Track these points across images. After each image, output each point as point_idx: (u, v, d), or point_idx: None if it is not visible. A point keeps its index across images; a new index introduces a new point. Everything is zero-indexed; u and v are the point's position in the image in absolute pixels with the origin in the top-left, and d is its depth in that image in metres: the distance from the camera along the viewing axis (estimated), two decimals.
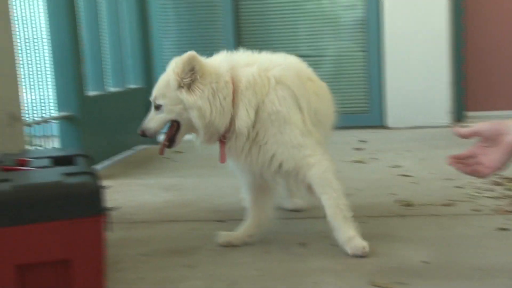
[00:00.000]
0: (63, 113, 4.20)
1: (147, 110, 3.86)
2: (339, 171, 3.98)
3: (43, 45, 4.14)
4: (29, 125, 3.73)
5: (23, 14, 3.81)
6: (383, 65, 6.16)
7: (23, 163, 2.45)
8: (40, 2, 4.06)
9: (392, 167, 4.20)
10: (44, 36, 4.14)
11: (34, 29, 3.98)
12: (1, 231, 1.99)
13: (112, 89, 5.00)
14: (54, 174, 2.18)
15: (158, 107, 2.55)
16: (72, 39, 4.13)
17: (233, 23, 6.42)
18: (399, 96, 6.10)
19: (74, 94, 4.19)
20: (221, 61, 2.55)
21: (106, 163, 4.73)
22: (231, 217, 3.14)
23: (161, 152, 2.61)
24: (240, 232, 2.75)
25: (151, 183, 4.02)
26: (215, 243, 2.70)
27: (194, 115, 2.45)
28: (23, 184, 2.08)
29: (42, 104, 4.13)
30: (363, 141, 5.37)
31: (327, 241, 2.62)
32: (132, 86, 5.40)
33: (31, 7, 3.95)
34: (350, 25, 6.38)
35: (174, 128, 2.55)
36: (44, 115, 4.11)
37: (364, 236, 2.49)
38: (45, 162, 2.48)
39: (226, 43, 6.34)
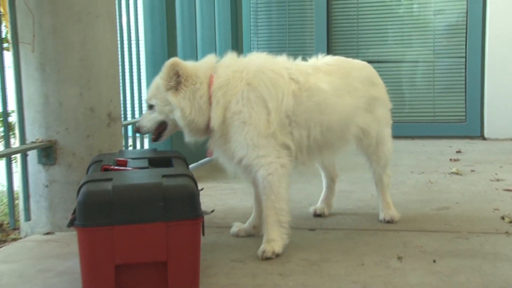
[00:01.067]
0: None
1: None
2: (435, 182, 3.89)
3: (138, 47, 4.27)
4: (124, 125, 3.85)
5: (124, 16, 3.94)
6: (483, 72, 5.94)
7: (122, 163, 2.52)
8: (140, 4, 4.19)
9: (493, 180, 4.04)
10: (141, 38, 4.27)
11: (131, 30, 4.11)
12: (102, 230, 2.06)
13: None
14: (154, 176, 2.23)
15: (151, 107, 2.80)
16: (167, 40, 4.23)
17: (325, 25, 6.39)
18: (499, 105, 5.87)
19: None
20: (202, 63, 2.81)
21: (193, 165, 4.81)
22: (322, 226, 3.11)
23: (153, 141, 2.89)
24: (247, 224, 3.01)
25: (238, 188, 4.04)
26: (307, 252, 2.68)
27: (177, 115, 2.71)
28: (124, 184, 2.14)
29: (135, 105, 4.26)
30: (459, 152, 5.20)
31: (426, 256, 2.54)
32: None
33: (130, 5, 4.08)
34: (447, 30, 6.21)
35: (162, 127, 2.82)
36: (136, 115, 4.23)
37: (466, 254, 2.40)
38: (143, 163, 2.54)
39: (318, 45, 6.33)
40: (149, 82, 4.27)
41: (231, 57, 2.84)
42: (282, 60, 2.90)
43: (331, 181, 3.39)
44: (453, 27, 6.19)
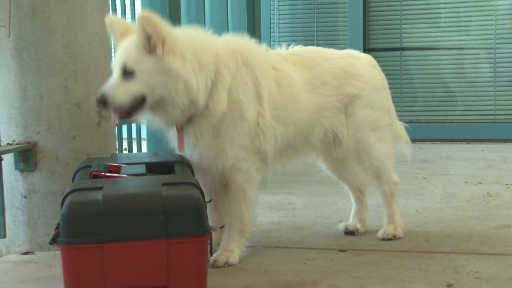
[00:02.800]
0: None
1: None
2: (495, 195, 3.90)
3: None
4: (117, 125, 3.91)
5: None
6: None
7: (114, 169, 2.58)
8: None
9: None
10: None
11: (126, 9, 4.16)
12: (90, 249, 2.11)
13: None
14: (152, 184, 2.28)
15: (128, 74, 2.61)
16: (168, 21, 4.27)
17: (362, 7, 6.41)
18: None
19: None
20: (200, 33, 2.83)
21: None
22: (355, 246, 3.14)
23: (113, 122, 2.70)
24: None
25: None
26: (336, 278, 2.71)
27: (179, 88, 2.61)
28: (117, 194, 2.19)
29: None
30: None
31: (482, 284, 2.56)
32: None
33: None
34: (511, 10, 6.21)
35: (138, 102, 2.64)
36: None
37: None
38: (140, 168, 2.59)
39: (352, 30, 6.36)
40: None
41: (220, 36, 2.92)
42: (251, 44, 2.96)
43: (359, 193, 3.43)
44: None
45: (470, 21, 6.34)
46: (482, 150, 5.62)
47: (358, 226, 3.36)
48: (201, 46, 2.73)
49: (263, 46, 3.03)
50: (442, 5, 6.40)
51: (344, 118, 3.09)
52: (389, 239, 3.19)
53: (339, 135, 3.09)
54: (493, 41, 6.26)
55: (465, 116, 6.31)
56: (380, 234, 3.23)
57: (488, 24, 6.27)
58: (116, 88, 2.60)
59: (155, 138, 4.37)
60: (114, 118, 2.66)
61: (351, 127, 3.09)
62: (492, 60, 6.27)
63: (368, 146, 3.13)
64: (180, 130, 2.79)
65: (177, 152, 2.86)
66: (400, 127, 3.40)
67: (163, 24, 2.62)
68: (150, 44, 2.58)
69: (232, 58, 2.81)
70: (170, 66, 2.59)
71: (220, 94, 2.74)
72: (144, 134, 4.45)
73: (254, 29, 5.73)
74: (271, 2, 6.72)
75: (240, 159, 2.82)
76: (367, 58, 3.25)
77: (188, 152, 2.84)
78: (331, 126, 3.06)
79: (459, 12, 6.35)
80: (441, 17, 6.43)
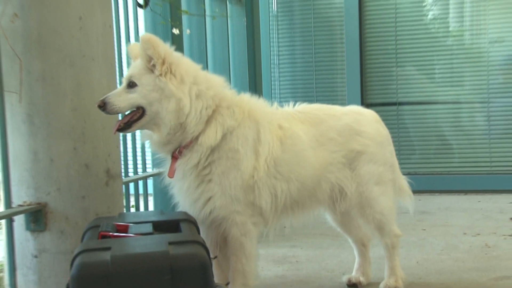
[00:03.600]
0: (159, 169, 4.37)
1: None
2: (493, 246, 3.89)
3: None
4: (125, 182, 3.93)
5: (123, 54, 4.06)
6: None
7: (122, 228, 2.58)
8: None
9: None
10: None
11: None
12: None
13: None
14: (159, 243, 2.28)
15: (131, 85, 2.83)
16: None
17: (359, 64, 6.47)
18: None
19: None
20: (214, 77, 2.94)
21: None
22: None
23: (115, 132, 2.92)
24: None
25: (260, 254, 4.04)
26: None
27: (169, 107, 2.75)
28: (125, 254, 2.19)
29: (138, 159, 4.34)
30: None
31: None
32: None
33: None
34: (504, 64, 6.25)
35: (138, 114, 2.84)
36: (139, 171, 4.31)
37: None
38: (147, 227, 2.59)
39: (350, 87, 6.41)
40: None
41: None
42: (266, 104, 3.07)
43: (363, 247, 3.42)
44: (511, 60, 6.23)
45: (464, 75, 6.39)
46: (479, 201, 5.62)
47: (361, 279, 3.35)
48: (205, 80, 2.86)
49: (273, 105, 3.10)
50: (436, 61, 6.46)
51: (349, 172, 3.10)
52: None
53: (345, 188, 3.10)
54: (486, 94, 6.30)
55: (462, 168, 6.32)
56: (382, 286, 3.21)
57: (481, 79, 6.32)
58: (117, 95, 2.83)
59: (161, 195, 4.40)
60: (114, 128, 2.89)
61: (355, 181, 3.10)
62: (486, 113, 6.30)
63: (371, 199, 3.13)
64: (174, 158, 2.86)
65: (166, 178, 2.94)
66: (404, 181, 3.41)
67: (162, 47, 2.78)
68: (150, 63, 2.76)
69: (240, 108, 2.88)
70: (165, 85, 2.75)
71: (213, 130, 2.80)
72: (150, 190, 4.46)
73: (255, 86, 5.79)
74: (272, 60, 6.79)
75: (232, 212, 2.83)
76: (371, 114, 3.27)
77: (177, 184, 2.93)
78: (337, 180, 3.08)
79: (452, 67, 6.41)
80: (435, 72, 6.49)
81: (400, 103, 6.44)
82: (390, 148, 3.28)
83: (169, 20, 4.17)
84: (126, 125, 2.87)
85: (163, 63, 2.76)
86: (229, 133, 2.82)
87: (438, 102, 6.41)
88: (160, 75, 2.75)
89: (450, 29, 6.53)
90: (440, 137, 6.34)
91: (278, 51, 6.81)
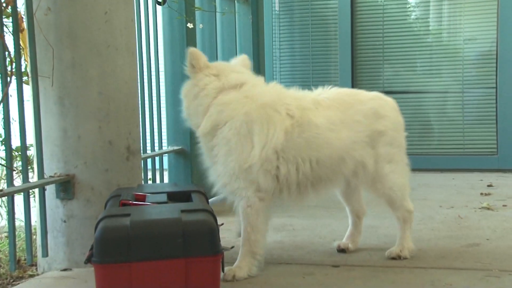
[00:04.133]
0: (174, 147, 4.36)
1: None
2: (465, 218, 3.87)
3: (158, 77, 4.35)
4: (143, 158, 3.92)
5: (143, 45, 4.03)
6: None
7: (140, 198, 2.57)
8: (160, 33, 4.30)
9: None
10: (161, 69, 4.36)
11: (151, 62, 4.20)
12: (120, 267, 2.09)
13: None
14: (173, 211, 2.27)
15: None
16: None
17: (350, 56, 6.44)
18: None
19: (186, 129, 4.32)
20: (230, 72, 3.02)
21: (215, 199, 4.84)
22: (346, 262, 3.11)
23: None
24: None
25: None
26: None
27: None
28: (142, 220, 2.18)
29: (155, 138, 4.32)
30: (491, 186, 5.17)
31: None
32: None
33: (151, 37, 4.18)
34: (477, 59, 6.22)
35: None
36: (156, 148, 4.30)
37: None
38: (162, 197, 2.59)
39: (342, 77, 6.38)
40: (169, 114, 4.36)
41: (256, 82, 3.05)
42: (290, 94, 3.04)
43: (357, 218, 3.39)
44: (483, 56, 6.20)
45: (442, 69, 6.36)
46: (453, 179, 5.60)
47: (350, 245, 3.33)
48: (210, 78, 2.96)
49: (291, 96, 3.03)
50: (418, 56, 6.42)
51: (371, 150, 3.07)
52: (393, 258, 3.13)
53: (367, 165, 3.06)
54: (461, 85, 6.27)
55: (439, 149, 6.30)
56: (387, 252, 3.18)
57: (456, 72, 6.29)
58: None
59: (175, 170, 4.40)
60: None
61: (373, 157, 3.07)
62: (461, 102, 6.28)
63: (382, 176, 3.10)
64: None
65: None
66: None
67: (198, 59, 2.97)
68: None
69: (240, 105, 2.87)
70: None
71: (205, 123, 2.89)
72: (166, 166, 4.45)
73: (259, 70, 5.76)
74: (274, 53, 6.75)
75: (237, 188, 2.84)
76: (392, 102, 3.23)
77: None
78: (360, 157, 3.03)
79: (432, 61, 6.38)
80: (417, 66, 6.45)
81: (386, 92, 6.37)
82: (404, 134, 3.25)
83: (184, 15, 4.13)
84: None
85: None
86: (223, 124, 2.85)
87: (419, 91, 6.38)
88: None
89: (430, 28, 6.49)
90: (421, 122, 6.31)
91: (280, 45, 6.77)
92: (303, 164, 2.92)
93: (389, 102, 3.20)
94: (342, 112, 3.03)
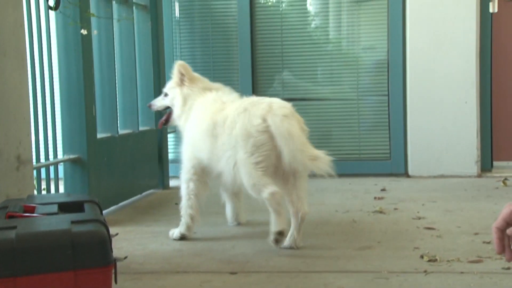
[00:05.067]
0: (70, 156, 4.24)
1: (160, 152, 5.56)
2: (359, 221, 4.00)
3: (52, 83, 4.22)
4: (36, 168, 3.79)
5: (35, 51, 3.90)
6: (405, 109, 6.17)
7: (29, 209, 2.48)
8: (53, 38, 4.17)
9: (415, 218, 4.19)
10: (55, 74, 4.23)
11: (44, 68, 4.07)
12: (4, 283, 2.01)
13: (123, 131, 5.07)
14: (62, 222, 2.21)
15: (166, 95, 4.10)
16: (83, 77, 4.20)
17: (250, 63, 6.50)
18: (422, 143, 6.09)
19: (82, 136, 4.24)
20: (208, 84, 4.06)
21: (113, 208, 4.75)
22: (244, 269, 3.14)
23: (160, 126, 4.31)
24: None
25: (161, 231, 4.02)
26: None
27: (175, 105, 4.02)
28: (28, 232, 2.11)
29: (49, 146, 4.19)
30: (384, 190, 5.36)
31: None
32: (145, 128, 5.47)
33: (43, 43, 4.05)
34: (371, 68, 6.44)
35: (170, 114, 4.10)
36: (50, 157, 4.17)
37: None
38: (52, 208, 2.51)
39: (243, 84, 6.43)
40: (64, 122, 4.24)
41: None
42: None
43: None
44: (376, 65, 6.42)
45: (339, 77, 6.52)
46: (349, 184, 5.77)
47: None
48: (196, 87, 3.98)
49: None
50: (316, 64, 6.56)
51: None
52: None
53: None
54: (355, 93, 6.47)
55: (336, 155, 6.37)
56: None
57: (352, 80, 6.47)
58: (157, 101, 4.19)
59: (71, 180, 4.28)
60: (160, 124, 4.24)
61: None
62: (356, 109, 6.47)
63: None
64: None
65: None
66: None
67: (178, 69, 3.98)
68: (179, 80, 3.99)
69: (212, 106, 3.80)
70: (174, 92, 4.03)
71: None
72: (61, 175, 4.32)
73: (159, 84, 5.70)
74: (175, 60, 6.68)
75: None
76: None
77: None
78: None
79: (331, 69, 6.53)
80: (315, 73, 6.59)
81: (286, 99, 6.47)
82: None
83: (78, 22, 4.03)
84: (166, 121, 4.14)
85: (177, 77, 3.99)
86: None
87: (317, 99, 6.52)
88: (179, 86, 3.98)
89: (329, 37, 6.65)
90: (319, 129, 6.44)
91: (181, 52, 6.73)
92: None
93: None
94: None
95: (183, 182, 3.93)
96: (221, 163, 3.62)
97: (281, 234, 3.40)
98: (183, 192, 3.91)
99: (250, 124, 3.44)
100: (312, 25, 6.67)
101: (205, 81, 4.07)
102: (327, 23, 6.64)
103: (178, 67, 3.97)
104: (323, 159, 3.44)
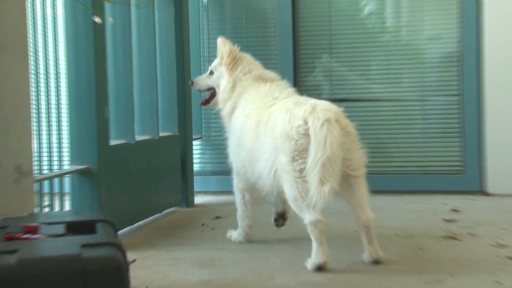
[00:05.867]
0: (78, 166, 4.28)
1: (184, 163, 5.67)
2: (425, 248, 3.95)
3: (58, 81, 4.27)
4: (38, 180, 3.83)
5: (39, 46, 3.95)
6: (481, 113, 6.09)
7: (31, 229, 2.50)
8: (60, 28, 4.22)
9: (495, 246, 4.12)
10: (61, 70, 4.27)
11: (49, 64, 4.12)
12: None
13: (141, 137, 5.11)
14: (71, 245, 2.22)
15: (211, 73, 4.46)
16: (94, 74, 4.24)
17: (292, 57, 6.49)
18: (503, 154, 6.00)
19: (92, 143, 4.28)
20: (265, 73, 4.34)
21: (128, 229, 4.78)
22: None
23: (200, 105, 4.65)
24: None
25: (184, 257, 4.03)
26: None
27: (221, 86, 4.34)
28: (31, 258, 2.12)
29: (54, 155, 4.23)
30: (456, 211, 5.29)
31: None
32: (165, 133, 5.50)
33: (48, 33, 4.10)
34: (437, 62, 6.37)
35: (213, 94, 4.47)
36: (54, 168, 4.21)
37: None
38: (59, 229, 2.53)
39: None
40: (72, 126, 4.28)
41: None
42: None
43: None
44: (444, 58, 6.35)
45: (399, 73, 6.47)
46: (412, 202, 5.71)
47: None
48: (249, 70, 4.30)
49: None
50: (372, 55, 6.52)
51: None
52: None
53: None
54: (419, 92, 6.40)
55: (396, 168, 6.40)
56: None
57: (415, 76, 6.42)
58: (200, 79, 4.58)
59: (79, 194, 4.31)
60: (200, 103, 4.61)
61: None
62: (420, 112, 6.40)
63: None
64: None
65: None
66: None
67: (230, 46, 4.35)
68: (222, 58, 4.35)
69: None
70: (223, 72, 4.34)
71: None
72: (67, 189, 4.36)
73: (184, 79, 5.74)
74: (201, 53, 6.74)
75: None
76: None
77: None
78: None
79: (387, 62, 6.48)
80: (370, 69, 6.55)
81: (334, 100, 6.43)
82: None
83: (90, 7, 4.08)
84: (207, 101, 4.51)
85: (228, 56, 4.27)
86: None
87: (372, 99, 6.48)
88: (225, 65, 4.28)
89: (387, 24, 6.60)
90: (374, 136, 6.39)
91: (209, 43, 6.78)
92: None
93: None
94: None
95: (236, 191, 4.30)
96: (259, 165, 3.85)
97: (320, 268, 3.58)
98: (238, 201, 4.29)
99: (290, 126, 3.63)
100: (366, 11, 6.64)
101: (260, 68, 4.31)
102: (384, 8, 6.60)
103: (224, 45, 4.35)
104: (330, 189, 3.48)
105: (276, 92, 4.08)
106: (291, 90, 4.17)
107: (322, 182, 3.44)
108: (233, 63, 4.25)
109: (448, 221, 4.91)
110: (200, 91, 4.69)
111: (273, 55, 6.63)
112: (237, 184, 4.30)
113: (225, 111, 4.28)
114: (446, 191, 6.10)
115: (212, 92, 4.46)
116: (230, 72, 4.24)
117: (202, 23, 6.77)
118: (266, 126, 3.83)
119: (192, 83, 4.59)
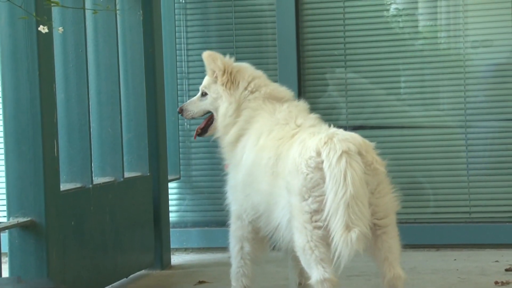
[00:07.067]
0: (19, 219, 4.28)
1: (157, 213, 5.77)
2: None
3: None
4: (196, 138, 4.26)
5: None
6: None
7: None
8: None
9: None
10: None
11: None
12: None
13: (100, 180, 5.13)
14: None
15: (204, 94, 4.48)
16: (40, 98, 4.25)
17: (296, 75, 6.49)
18: None
19: (37, 188, 4.27)
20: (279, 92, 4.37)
21: None
22: None
23: (195, 137, 4.62)
24: None
25: None
26: None
27: (221, 110, 4.36)
28: None
29: None
30: (511, 270, 5.30)
31: None
32: (133, 174, 5.55)
33: None
34: (486, 76, 6.36)
35: (210, 119, 4.48)
36: None
37: None
38: None
39: None
40: (10, 168, 4.28)
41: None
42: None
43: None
44: (494, 71, 6.34)
45: (435, 89, 6.45)
46: (454, 260, 5.69)
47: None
48: (257, 86, 4.35)
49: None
50: (401, 68, 6.51)
51: None
52: None
53: None
54: (462, 116, 6.38)
55: (432, 216, 6.38)
56: None
57: (456, 93, 6.41)
58: (191, 102, 4.60)
59: (21, 255, 4.30)
60: (195, 136, 4.59)
61: None
62: (463, 142, 6.37)
63: None
64: None
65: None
66: None
67: (221, 59, 4.34)
68: (213, 75, 4.36)
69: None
70: (220, 91, 4.35)
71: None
72: (5, 249, 4.35)
73: (155, 96, 5.77)
74: (179, 65, 6.74)
75: None
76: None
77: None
78: None
79: (423, 76, 6.48)
80: (396, 86, 6.53)
81: (352, 128, 6.42)
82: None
83: (34, 14, 4.10)
84: (203, 130, 4.52)
85: (223, 74, 4.30)
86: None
87: (401, 126, 6.45)
88: (222, 84, 4.32)
89: (419, 29, 6.62)
90: (404, 173, 6.35)
91: (187, 54, 6.78)
92: None
93: None
94: None
95: (233, 239, 4.20)
96: (276, 212, 3.84)
97: None
98: (234, 254, 4.15)
99: (301, 158, 3.65)
100: (391, 11, 6.66)
101: (269, 83, 4.38)
102: (415, 8, 6.63)
103: (214, 61, 4.38)
104: (359, 235, 3.50)
105: (299, 118, 4.09)
106: (313, 116, 4.20)
107: (348, 228, 3.44)
108: (231, 80, 4.29)
109: (501, 284, 4.91)
110: (193, 119, 4.69)
111: (271, 69, 6.57)
112: (234, 231, 4.21)
113: (227, 140, 4.29)
114: (498, 245, 6.08)
115: (209, 117, 4.48)
116: (230, 92, 4.27)
117: (179, 29, 6.77)
118: (285, 163, 3.82)
119: (182, 110, 4.58)
